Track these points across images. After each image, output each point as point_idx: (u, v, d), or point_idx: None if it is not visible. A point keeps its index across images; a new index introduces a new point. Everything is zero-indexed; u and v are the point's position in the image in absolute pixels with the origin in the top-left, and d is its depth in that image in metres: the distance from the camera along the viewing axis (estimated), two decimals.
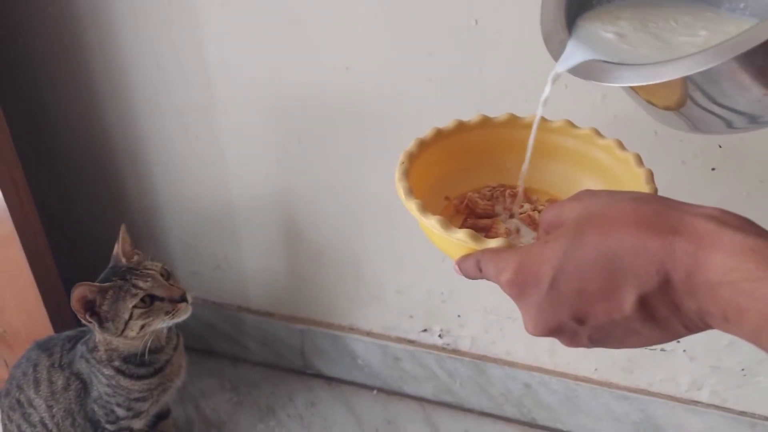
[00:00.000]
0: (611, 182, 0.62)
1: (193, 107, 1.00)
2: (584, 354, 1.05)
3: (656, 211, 0.40)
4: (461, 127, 0.65)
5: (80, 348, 0.91)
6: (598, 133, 0.63)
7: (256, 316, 1.20)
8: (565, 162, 0.65)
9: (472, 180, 0.67)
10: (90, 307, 0.83)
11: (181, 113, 1.01)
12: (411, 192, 0.56)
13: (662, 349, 1.00)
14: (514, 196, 0.65)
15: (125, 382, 0.88)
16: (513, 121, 0.65)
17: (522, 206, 0.64)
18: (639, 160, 0.59)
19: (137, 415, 0.91)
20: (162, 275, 0.86)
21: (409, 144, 0.62)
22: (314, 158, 0.99)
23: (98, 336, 0.87)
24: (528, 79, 0.81)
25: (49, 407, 0.90)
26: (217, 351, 1.27)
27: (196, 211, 1.13)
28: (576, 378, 1.07)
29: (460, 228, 0.52)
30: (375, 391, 1.21)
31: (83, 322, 0.83)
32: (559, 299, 0.42)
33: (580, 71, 0.50)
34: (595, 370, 1.06)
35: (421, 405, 1.19)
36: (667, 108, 0.51)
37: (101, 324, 0.84)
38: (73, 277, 1.07)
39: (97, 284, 0.83)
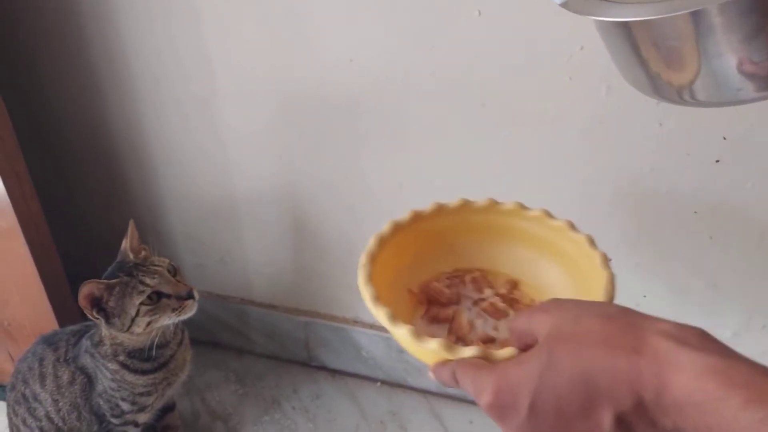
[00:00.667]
0: (568, 265, 0.63)
1: (194, 99, 1.00)
2: None
3: (621, 330, 0.42)
4: (417, 216, 0.67)
5: (85, 343, 0.91)
6: (549, 214, 0.65)
7: (260, 309, 1.20)
8: (520, 244, 0.67)
9: (431, 267, 0.68)
10: (97, 304, 0.83)
11: (183, 105, 1.01)
12: (378, 298, 0.57)
13: None
14: (474, 281, 0.67)
15: (130, 377, 0.88)
16: (466, 206, 0.67)
17: (483, 292, 0.66)
18: (592, 243, 0.61)
19: (142, 409, 0.92)
20: (169, 272, 0.86)
21: (369, 242, 0.63)
22: (316, 151, 0.99)
23: (104, 331, 0.87)
24: (532, 71, 0.81)
25: (55, 401, 0.91)
26: (221, 343, 1.28)
27: (199, 205, 1.13)
28: None
29: (423, 316, 0.57)
30: (379, 384, 1.21)
31: (90, 318, 0.84)
32: (540, 423, 0.43)
33: (577, 6, 0.48)
34: None
35: (425, 397, 1.19)
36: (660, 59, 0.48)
37: (108, 320, 0.84)
38: (77, 269, 1.07)
39: (105, 281, 0.83)
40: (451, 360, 0.51)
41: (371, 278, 0.59)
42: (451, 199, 0.68)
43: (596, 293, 0.57)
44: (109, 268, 0.87)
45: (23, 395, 0.93)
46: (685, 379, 0.38)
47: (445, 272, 0.68)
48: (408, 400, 1.18)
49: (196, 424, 1.14)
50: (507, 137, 0.87)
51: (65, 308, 1.09)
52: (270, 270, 1.17)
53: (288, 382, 1.21)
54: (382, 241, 0.64)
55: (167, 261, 0.88)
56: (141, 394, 0.90)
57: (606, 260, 0.59)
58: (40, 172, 1.06)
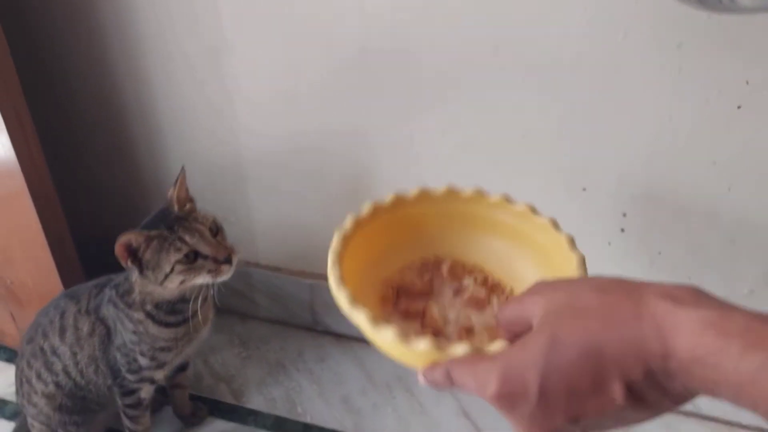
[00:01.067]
0: (544, 262, 0.61)
1: (202, 51, 0.97)
2: None
3: (618, 300, 0.42)
4: (400, 201, 0.64)
5: (108, 292, 0.88)
6: (534, 210, 0.63)
7: (265, 271, 1.19)
8: (500, 238, 0.64)
9: (407, 255, 0.65)
10: (133, 254, 0.80)
11: (190, 58, 0.99)
12: (354, 300, 0.53)
13: None
14: (451, 273, 0.64)
15: (153, 329, 0.86)
16: (452, 194, 0.65)
17: (463, 282, 0.63)
18: (572, 243, 0.59)
19: (161, 366, 0.89)
20: (211, 230, 0.83)
21: (345, 224, 0.61)
22: (324, 105, 0.97)
23: (135, 278, 0.84)
24: (548, 16, 0.79)
25: (74, 354, 0.88)
26: (226, 307, 1.24)
27: (205, 164, 1.11)
28: None
29: (393, 311, 0.55)
30: None
31: (123, 266, 0.81)
32: (551, 405, 0.42)
33: None
34: None
35: None
36: None
37: (141, 271, 0.82)
38: (82, 228, 1.06)
39: (144, 233, 0.80)
40: (440, 361, 0.49)
41: (344, 281, 0.56)
42: (437, 185, 0.65)
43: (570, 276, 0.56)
44: (152, 215, 0.84)
45: (41, 348, 0.90)
46: (686, 337, 0.38)
47: (414, 261, 0.65)
48: None
49: (200, 384, 1.12)
50: (520, 85, 0.85)
51: (69, 268, 1.07)
52: (276, 231, 1.15)
53: (293, 346, 1.20)
54: (358, 225, 0.62)
55: (211, 218, 0.85)
56: (161, 349, 0.88)
57: (583, 262, 0.57)
58: (46, 130, 1.04)
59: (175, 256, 0.80)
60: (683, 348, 0.38)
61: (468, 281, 0.63)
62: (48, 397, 0.91)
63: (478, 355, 0.47)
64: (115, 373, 0.89)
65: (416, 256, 0.65)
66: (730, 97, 0.77)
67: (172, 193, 0.84)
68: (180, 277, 0.81)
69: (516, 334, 0.47)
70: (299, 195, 1.09)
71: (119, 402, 0.92)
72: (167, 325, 0.87)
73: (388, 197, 0.64)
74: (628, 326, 0.40)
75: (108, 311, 0.88)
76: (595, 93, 0.82)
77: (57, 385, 0.90)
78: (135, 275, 0.83)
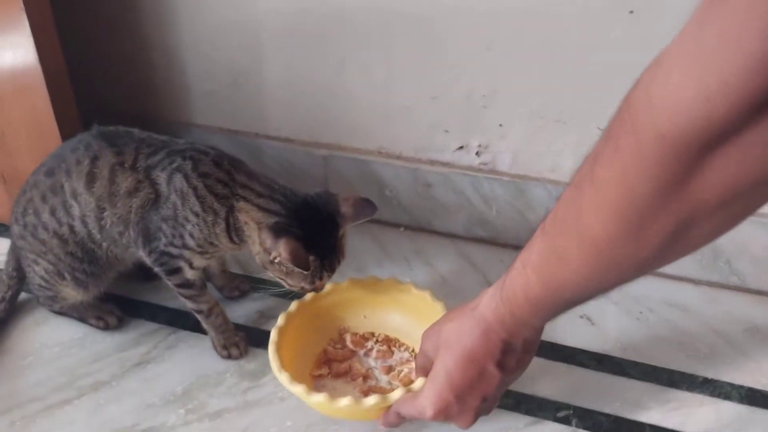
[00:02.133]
0: (418, 316, 0.84)
1: None
2: None
3: (463, 316, 0.65)
4: (316, 296, 0.85)
5: (182, 162, 0.78)
6: (412, 285, 0.87)
7: (275, 143, 1.11)
8: (389, 308, 0.89)
9: (326, 334, 0.88)
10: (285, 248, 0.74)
11: None
12: (292, 381, 0.73)
13: None
14: (353, 342, 0.87)
15: (219, 230, 0.79)
16: (353, 283, 0.88)
17: (366, 345, 0.87)
18: (434, 298, 0.84)
19: (204, 255, 0.81)
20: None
21: (278, 321, 0.80)
22: None
23: (258, 235, 0.77)
24: None
25: (100, 209, 0.79)
26: None
27: (213, 15, 1.02)
28: None
29: (327, 375, 0.82)
30: (402, 228, 1.12)
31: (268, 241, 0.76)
32: (467, 401, 0.65)
33: None
34: None
35: (452, 240, 1.09)
36: None
37: (267, 250, 0.76)
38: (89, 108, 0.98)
39: (310, 256, 0.75)
40: (387, 407, 0.72)
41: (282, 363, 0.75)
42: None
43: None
44: (308, 199, 0.78)
45: (62, 186, 0.80)
46: (491, 309, 0.62)
47: (332, 338, 0.88)
48: (433, 242, 1.09)
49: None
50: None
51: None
52: (288, 94, 1.06)
53: None
54: (288, 318, 0.82)
55: (341, 259, 0.81)
56: (212, 244, 0.80)
57: (434, 296, 0.84)
58: None
59: (304, 283, 0.78)
60: (497, 314, 0.61)
61: (370, 343, 0.88)
62: (60, 237, 0.82)
63: (409, 393, 0.70)
64: (149, 240, 0.79)
65: (332, 335, 0.89)
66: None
67: (346, 211, 0.78)
68: (279, 273, 0.79)
69: (428, 370, 0.68)
70: (315, 46, 1.00)
71: (168, 282, 0.83)
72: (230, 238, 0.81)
73: (308, 296, 0.85)
74: (472, 320, 0.63)
75: (171, 179, 0.77)
76: None
77: (71, 229, 0.81)
78: (264, 238, 0.75)
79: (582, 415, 0.80)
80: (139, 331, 0.90)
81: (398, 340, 0.88)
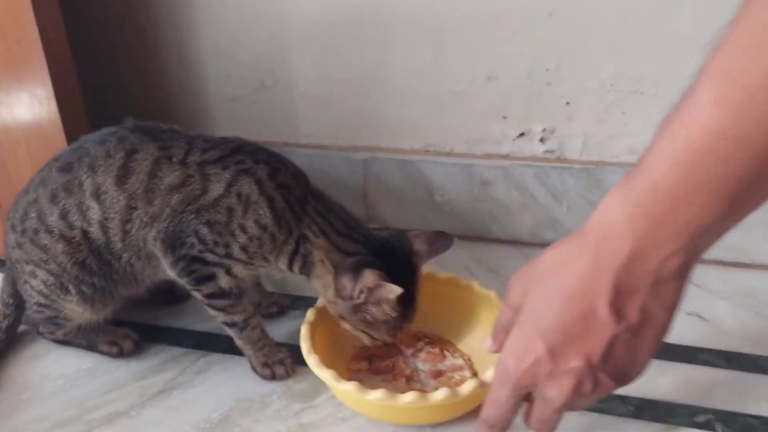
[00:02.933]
0: (474, 317, 0.76)
1: None
2: None
3: (567, 247, 0.46)
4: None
5: (254, 167, 0.66)
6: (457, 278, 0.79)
7: (307, 151, 0.98)
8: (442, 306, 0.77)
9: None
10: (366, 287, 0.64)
11: None
12: (321, 365, 0.64)
13: None
14: (402, 342, 0.76)
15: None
16: None
17: (416, 345, 0.76)
18: (500, 297, 0.73)
19: (248, 265, 0.68)
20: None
21: (308, 315, 0.71)
22: None
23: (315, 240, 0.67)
24: None
25: (130, 208, 0.66)
26: None
27: (235, 10, 0.92)
28: None
29: (367, 371, 0.71)
30: (456, 239, 0.98)
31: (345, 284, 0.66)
32: (563, 355, 0.45)
33: None
34: None
35: (518, 248, 0.95)
36: None
37: (342, 297, 0.66)
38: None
39: (398, 296, 0.65)
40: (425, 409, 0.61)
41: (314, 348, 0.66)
42: None
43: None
44: (390, 237, 0.69)
45: (79, 183, 0.67)
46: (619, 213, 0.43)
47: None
48: (495, 250, 0.95)
49: None
50: None
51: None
52: (320, 92, 0.95)
53: None
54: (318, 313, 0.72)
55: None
56: (263, 258, 0.68)
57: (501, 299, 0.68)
58: None
59: (385, 335, 0.69)
60: (623, 214, 0.42)
61: (420, 344, 0.77)
62: (68, 242, 0.68)
63: (493, 371, 0.53)
64: (176, 246, 0.66)
65: None
66: None
67: (419, 249, 0.69)
68: (350, 328, 0.69)
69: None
70: (346, 46, 0.90)
71: (197, 296, 0.69)
72: None
73: None
74: (583, 250, 0.44)
75: (236, 181, 0.65)
76: None
77: (85, 235, 0.68)
78: (344, 283, 0.65)
79: (726, 419, 0.64)
80: (161, 358, 0.75)
81: (452, 344, 0.77)
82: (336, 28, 0.91)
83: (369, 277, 0.62)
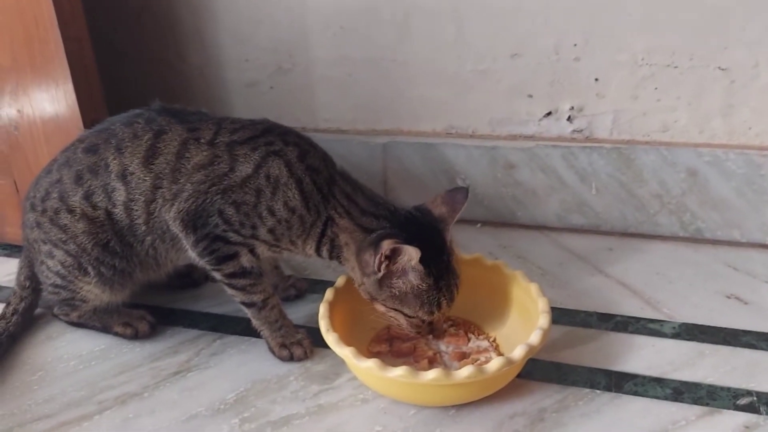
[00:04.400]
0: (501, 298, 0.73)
1: None
2: None
3: None
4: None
5: (284, 149, 0.65)
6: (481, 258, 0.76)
7: (326, 135, 0.95)
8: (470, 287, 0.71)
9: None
10: (388, 259, 0.61)
11: None
12: (340, 343, 0.61)
13: None
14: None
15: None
16: None
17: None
18: (524, 277, 0.71)
19: (272, 246, 0.66)
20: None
21: (327, 295, 0.68)
22: None
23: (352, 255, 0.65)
24: None
25: (155, 188, 0.65)
26: None
27: None
28: (761, 148, 0.81)
29: (387, 353, 0.69)
30: (479, 225, 0.95)
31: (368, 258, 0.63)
32: None
33: None
34: None
35: (544, 233, 0.92)
36: None
37: (367, 272, 0.64)
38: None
39: (425, 270, 0.62)
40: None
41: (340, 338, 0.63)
42: None
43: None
44: (408, 215, 0.66)
45: (105, 165, 0.66)
46: None
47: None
48: (520, 236, 0.91)
49: None
50: None
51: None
52: (339, 74, 0.93)
53: None
54: (337, 292, 0.69)
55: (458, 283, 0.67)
56: (290, 241, 0.67)
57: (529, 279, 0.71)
58: None
59: (421, 312, 0.64)
60: None
61: (443, 326, 0.73)
62: (91, 221, 0.67)
63: None
64: (199, 226, 0.65)
65: None
66: None
67: (441, 213, 0.67)
68: (384, 309, 0.66)
69: None
70: (366, 25, 0.88)
71: (216, 276, 0.67)
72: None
73: None
74: None
75: (266, 162, 0.64)
76: None
77: (109, 216, 0.67)
78: (366, 260, 0.63)
79: None
80: (177, 340, 0.72)
81: (477, 327, 0.74)
82: (354, 8, 0.89)
83: (385, 244, 0.60)
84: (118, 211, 0.67)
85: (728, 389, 0.61)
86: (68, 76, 0.82)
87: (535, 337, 0.59)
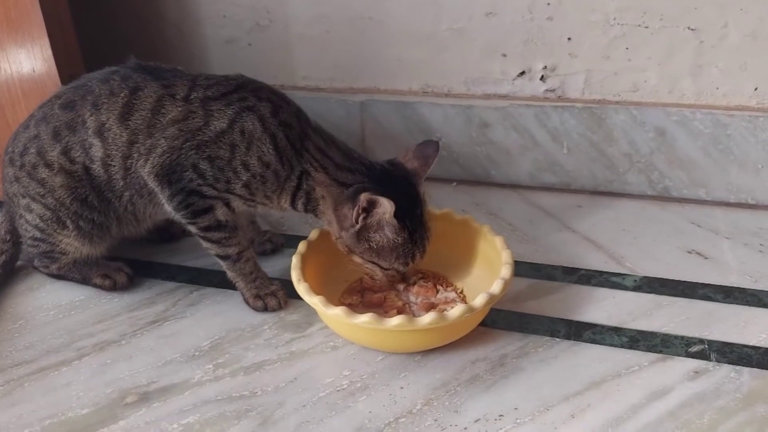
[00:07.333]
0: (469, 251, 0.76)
1: None
2: (741, 69, 0.81)
3: None
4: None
5: (257, 104, 0.66)
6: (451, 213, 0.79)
7: (304, 93, 0.96)
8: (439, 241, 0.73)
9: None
10: (365, 211, 0.63)
11: None
12: (311, 292, 0.64)
13: None
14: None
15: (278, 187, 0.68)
16: None
17: (410, 279, 0.74)
18: (491, 231, 0.74)
19: (246, 199, 0.67)
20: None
21: (300, 247, 0.71)
22: None
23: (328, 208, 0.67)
24: None
25: (131, 143, 0.66)
26: None
27: None
28: (728, 108, 0.84)
29: (359, 303, 0.71)
30: (455, 183, 0.97)
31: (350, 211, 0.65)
32: None
33: None
34: (756, 90, 0.82)
35: (517, 191, 0.94)
36: None
37: (344, 226, 0.66)
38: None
39: (399, 224, 0.64)
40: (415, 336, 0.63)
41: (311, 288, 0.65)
42: None
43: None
44: (382, 168, 0.67)
45: (82, 121, 0.67)
46: None
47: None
48: (494, 194, 0.93)
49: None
50: None
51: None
52: (317, 32, 0.93)
53: None
54: (310, 245, 0.72)
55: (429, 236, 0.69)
56: (265, 196, 0.68)
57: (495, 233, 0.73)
58: None
59: (396, 263, 0.67)
60: None
61: (413, 279, 0.75)
62: (69, 175, 0.68)
63: None
64: (173, 181, 0.66)
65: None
66: None
67: (413, 167, 0.69)
68: (361, 261, 0.68)
69: None
70: None
71: (192, 229, 0.69)
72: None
73: None
74: None
75: (240, 117, 0.65)
76: None
77: (87, 171, 0.68)
78: (344, 213, 0.65)
79: (721, 348, 0.63)
80: (154, 291, 0.75)
81: (446, 279, 0.76)
82: None
83: (363, 201, 0.62)
84: (96, 167, 0.68)
85: (681, 338, 0.64)
86: (44, 32, 0.83)
87: (496, 287, 0.62)
